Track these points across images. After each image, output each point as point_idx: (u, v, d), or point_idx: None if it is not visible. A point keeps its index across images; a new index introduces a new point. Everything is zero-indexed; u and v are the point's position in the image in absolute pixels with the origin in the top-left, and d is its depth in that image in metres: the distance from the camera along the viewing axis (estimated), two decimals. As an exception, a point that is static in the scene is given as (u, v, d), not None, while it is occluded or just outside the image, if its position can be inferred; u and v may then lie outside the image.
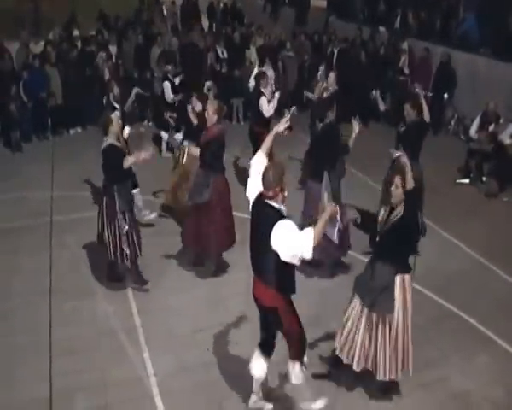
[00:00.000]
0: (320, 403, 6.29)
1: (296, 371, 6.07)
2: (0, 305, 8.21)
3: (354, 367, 6.53)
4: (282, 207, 5.63)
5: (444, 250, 9.94)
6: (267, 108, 11.19)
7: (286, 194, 5.64)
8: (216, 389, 6.79)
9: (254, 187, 5.83)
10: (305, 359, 6.15)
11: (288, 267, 5.63)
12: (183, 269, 9.21)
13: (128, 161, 8.02)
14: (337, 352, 6.66)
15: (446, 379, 7.07)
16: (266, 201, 5.61)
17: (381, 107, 11.50)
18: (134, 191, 9.89)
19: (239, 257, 9.15)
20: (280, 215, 5.52)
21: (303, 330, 6.04)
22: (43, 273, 8.94)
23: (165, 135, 11.45)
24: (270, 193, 5.57)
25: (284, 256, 5.43)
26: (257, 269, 5.88)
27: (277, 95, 11.32)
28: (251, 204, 5.88)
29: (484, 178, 12.94)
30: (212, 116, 8.53)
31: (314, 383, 6.72)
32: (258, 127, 11.39)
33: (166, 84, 13.33)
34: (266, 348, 6.20)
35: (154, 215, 10.52)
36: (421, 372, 6.95)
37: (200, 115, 9.38)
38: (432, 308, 8.33)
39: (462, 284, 8.94)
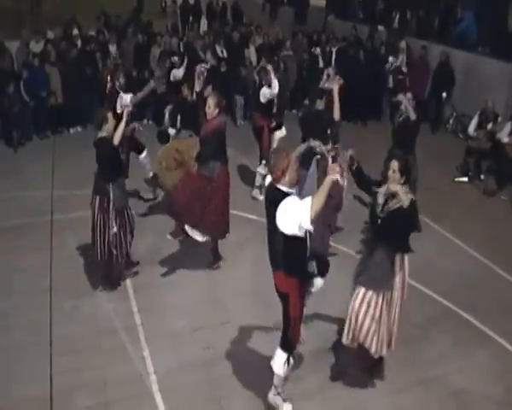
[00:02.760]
0: (287, 407, 6.37)
1: (280, 361, 6.10)
2: (0, 303, 8.23)
3: (343, 341, 6.62)
4: (291, 190, 5.66)
5: (442, 248, 9.97)
6: (267, 90, 11.13)
7: (289, 177, 5.63)
8: (216, 386, 6.83)
9: None
10: (291, 359, 6.15)
11: (297, 250, 5.72)
12: (183, 267, 9.22)
13: (116, 137, 7.99)
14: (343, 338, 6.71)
15: (445, 377, 7.10)
16: (275, 185, 5.69)
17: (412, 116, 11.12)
18: (142, 156, 10.78)
19: (238, 255, 9.21)
20: (286, 196, 5.55)
21: (299, 327, 6.06)
22: (44, 272, 8.97)
23: (172, 131, 11.48)
24: (273, 176, 5.67)
25: (287, 229, 5.47)
26: (271, 255, 5.94)
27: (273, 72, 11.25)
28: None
29: (482, 177, 12.97)
30: (213, 110, 8.54)
31: (317, 378, 6.81)
32: (260, 121, 11.45)
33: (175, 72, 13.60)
34: (287, 345, 6.17)
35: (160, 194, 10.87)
36: (420, 370, 7.02)
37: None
38: (431, 306, 8.36)
39: (460, 282, 8.97)
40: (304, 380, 6.84)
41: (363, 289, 6.44)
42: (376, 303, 6.38)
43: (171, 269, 9.18)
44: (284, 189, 5.62)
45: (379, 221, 6.35)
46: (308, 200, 5.32)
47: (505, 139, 12.43)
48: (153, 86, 11.04)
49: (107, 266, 8.57)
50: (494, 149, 12.69)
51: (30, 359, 7.18)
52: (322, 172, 8.78)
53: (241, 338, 7.56)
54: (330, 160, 5.58)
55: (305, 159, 8.83)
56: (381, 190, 6.38)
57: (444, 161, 13.71)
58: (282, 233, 5.53)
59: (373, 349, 6.51)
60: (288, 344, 6.09)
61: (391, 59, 17.12)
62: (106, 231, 8.12)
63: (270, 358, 6.29)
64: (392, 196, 6.26)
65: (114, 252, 8.24)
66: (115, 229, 8.13)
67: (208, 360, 7.23)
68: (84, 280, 8.83)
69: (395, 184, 6.23)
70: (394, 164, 6.26)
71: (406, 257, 6.42)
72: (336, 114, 9.08)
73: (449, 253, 9.91)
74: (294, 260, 5.78)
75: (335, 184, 5.40)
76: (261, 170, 11.25)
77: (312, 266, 6.35)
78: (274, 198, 5.62)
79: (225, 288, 8.76)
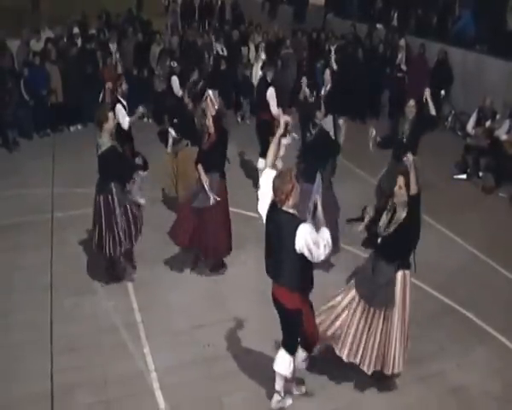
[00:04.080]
0: (288, 401, 6.49)
1: (300, 359, 6.27)
2: (1, 301, 8.26)
3: (344, 359, 6.60)
4: (296, 213, 5.77)
5: (441, 245, 9.98)
6: (276, 109, 11.20)
7: (292, 201, 5.70)
8: (216, 384, 6.85)
9: (266, 204, 5.95)
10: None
11: (308, 267, 5.83)
12: (183, 265, 9.24)
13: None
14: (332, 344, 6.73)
15: (445, 373, 7.13)
16: (280, 207, 5.73)
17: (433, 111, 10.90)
18: (143, 174, 10.28)
19: (239, 252, 9.22)
20: (298, 219, 5.67)
21: (318, 334, 6.23)
22: (44, 270, 8.99)
23: (172, 131, 11.54)
24: (277, 199, 5.70)
25: (312, 257, 5.61)
26: (278, 274, 5.95)
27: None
28: (264, 216, 5.98)
29: (481, 174, 12.99)
30: (211, 124, 8.52)
31: (317, 376, 6.85)
32: (267, 115, 11.43)
33: (174, 79, 13.48)
34: (291, 348, 6.23)
35: (143, 201, 10.64)
36: (419, 367, 7.03)
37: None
38: (430, 303, 8.37)
39: (460, 279, 9.00)
40: (304, 378, 6.87)
41: (363, 305, 6.51)
42: (372, 320, 6.45)
43: (171, 267, 9.21)
44: (291, 211, 5.71)
45: (379, 240, 6.42)
46: (325, 230, 5.73)
47: (503, 137, 12.45)
48: (142, 112, 10.82)
49: (113, 262, 8.63)
50: (492, 147, 12.71)
51: (30, 357, 7.19)
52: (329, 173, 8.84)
53: (242, 336, 7.58)
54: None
55: (310, 174, 8.85)
56: (384, 216, 6.45)
57: (442, 158, 13.73)
58: (302, 257, 5.63)
59: (366, 364, 6.54)
60: (310, 347, 6.28)
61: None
62: (113, 228, 8.18)
63: (270, 355, 6.31)
64: (395, 210, 6.32)
65: (124, 244, 8.31)
66: (124, 221, 8.22)
67: (209, 358, 7.25)
68: (85, 278, 8.86)
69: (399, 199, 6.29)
70: (401, 180, 6.28)
71: (408, 276, 6.43)
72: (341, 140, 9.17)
73: (448, 250, 9.93)
74: (307, 276, 5.91)
75: None
76: (261, 166, 11.20)
77: None
78: (281, 220, 5.71)
79: (226, 286, 8.79)
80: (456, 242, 10.26)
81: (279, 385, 6.37)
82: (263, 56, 16.59)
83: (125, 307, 8.22)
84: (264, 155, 11.23)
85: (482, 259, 9.72)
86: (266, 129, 11.43)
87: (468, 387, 6.94)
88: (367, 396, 6.75)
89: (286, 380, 6.36)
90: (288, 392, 6.53)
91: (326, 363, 7.09)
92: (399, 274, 6.39)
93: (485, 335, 7.87)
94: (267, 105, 11.36)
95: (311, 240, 5.54)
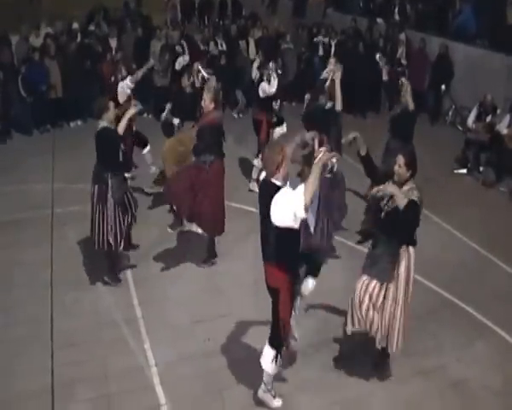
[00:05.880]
0: (277, 402, 6.43)
1: (269, 359, 6.13)
2: (1, 297, 8.27)
3: (347, 330, 6.66)
4: (285, 184, 5.67)
5: (441, 240, 9.98)
6: (267, 86, 11.17)
7: (283, 172, 5.66)
8: (216, 378, 6.86)
9: None
10: (280, 357, 6.17)
11: (289, 243, 5.69)
12: (183, 260, 9.25)
13: (121, 126, 8.03)
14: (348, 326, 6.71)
15: (445, 368, 7.13)
16: (269, 179, 5.69)
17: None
18: (145, 150, 11.02)
19: (237, 247, 9.23)
20: (279, 188, 5.58)
21: (290, 325, 6.07)
22: (44, 265, 9.00)
23: (176, 120, 11.56)
24: (267, 170, 5.70)
25: (282, 222, 5.46)
26: (263, 249, 5.91)
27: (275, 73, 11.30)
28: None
29: (481, 168, 12.99)
30: (208, 104, 8.52)
31: (315, 370, 6.84)
32: (259, 115, 11.46)
33: (180, 60, 13.67)
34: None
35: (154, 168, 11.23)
36: (419, 361, 7.04)
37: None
38: (430, 298, 8.37)
39: (460, 274, 8.99)
40: (302, 372, 6.88)
41: (367, 279, 6.47)
42: (378, 294, 6.40)
43: (171, 262, 9.21)
44: (278, 183, 5.64)
45: (382, 215, 6.36)
46: (300, 188, 5.34)
47: (504, 131, 12.44)
48: (152, 64, 11.22)
49: (109, 259, 8.60)
50: (493, 141, 12.71)
51: (31, 352, 7.20)
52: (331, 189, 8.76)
53: (241, 330, 7.58)
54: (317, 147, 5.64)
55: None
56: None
57: (443, 152, 13.74)
58: (276, 227, 5.53)
59: (378, 338, 6.53)
60: (277, 342, 6.10)
61: (378, 56, 17.08)
62: (104, 221, 8.11)
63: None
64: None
65: (111, 242, 8.22)
66: (113, 217, 8.12)
67: (209, 352, 7.26)
68: (85, 274, 8.86)
69: (392, 186, 6.20)
70: (400, 159, 6.21)
71: (412, 252, 6.36)
72: (338, 105, 9.00)
73: (448, 244, 9.93)
74: (286, 252, 5.76)
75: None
76: (257, 163, 11.25)
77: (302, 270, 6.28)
78: (268, 192, 5.62)
79: (225, 280, 8.79)
80: (456, 236, 10.26)
81: (265, 377, 6.34)
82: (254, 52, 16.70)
83: (125, 303, 8.22)
84: (259, 152, 11.31)
85: (482, 253, 9.71)
86: (257, 128, 11.55)
87: (468, 381, 6.94)
88: (367, 390, 6.75)
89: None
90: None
91: (326, 356, 7.11)
92: (403, 250, 6.31)
93: (484, 329, 7.87)
94: (262, 105, 11.36)
95: (282, 202, 5.41)
